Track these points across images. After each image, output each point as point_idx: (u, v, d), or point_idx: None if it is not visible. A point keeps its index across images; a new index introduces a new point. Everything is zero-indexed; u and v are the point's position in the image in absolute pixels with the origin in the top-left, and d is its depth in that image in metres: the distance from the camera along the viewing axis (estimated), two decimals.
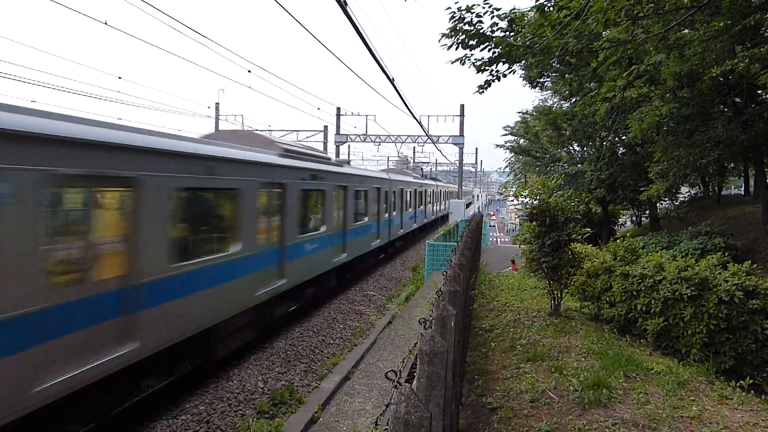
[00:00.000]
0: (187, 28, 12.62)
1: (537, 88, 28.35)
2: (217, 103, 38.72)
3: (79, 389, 5.64)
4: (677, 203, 26.14)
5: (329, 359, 10.50)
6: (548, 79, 25.25)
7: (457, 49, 10.27)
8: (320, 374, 9.75)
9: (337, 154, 38.39)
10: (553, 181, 10.90)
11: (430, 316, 2.98)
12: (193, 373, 9.02)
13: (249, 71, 21.19)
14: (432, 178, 45.90)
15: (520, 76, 25.05)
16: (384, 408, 1.71)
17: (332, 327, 12.87)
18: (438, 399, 2.19)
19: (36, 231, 5.13)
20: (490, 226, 55.17)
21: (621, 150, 24.20)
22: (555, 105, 28.61)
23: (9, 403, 4.84)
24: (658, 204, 25.61)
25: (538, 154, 27.95)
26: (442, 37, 10.40)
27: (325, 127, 41.23)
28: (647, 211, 27.36)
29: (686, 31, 12.01)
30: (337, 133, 39.93)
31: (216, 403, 8.20)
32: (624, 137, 22.17)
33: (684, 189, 26.90)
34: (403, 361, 2.48)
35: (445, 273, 4.29)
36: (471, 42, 10.00)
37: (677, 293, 8.68)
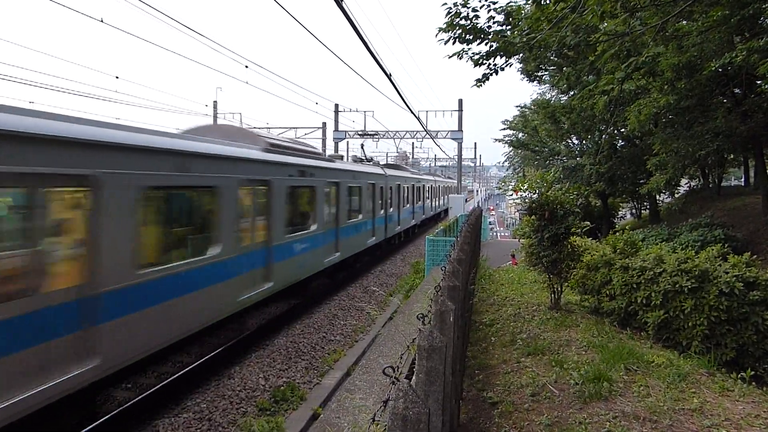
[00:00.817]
0: (183, 26, 12.56)
1: (535, 81, 28.31)
2: (215, 101, 38.66)
3: None
4: (677, 195, 26.13)
5: (330, 356, 10.50)
6: (546, 73, 25.19)
7: (454, 43, 10.24)
8: (321, 371, 9.75)
9: (336, 150, 38.36)
10: (551, 175, 10.88)
11: (429, 311, 2.97)
12: (195, 372, 9.02)
13: (246, 67, 21.12)
14: (390, 165, 28.93)
15: (518, 70, 25.01)
16: (382, 404, 1.70)
17: (333, 323, 12.87)
18: (437, 394, 2.18)
19: None
20: (490, 222, 54.30)
21: (620, 143, 24.17)
22: (553, 98, 28.56)
23: None
24: (658, 197, 25.59)
25: (536, 148, 27.91)
26: (439, 31, 10.36)
27: (324, 123, 41.25)
28: (647, 204, 27.35)
29: (684, 22, 11.97)
30: (336, 129, 39.91)
31: (217, 400, 8.21)
32: (623, 130, 22.14)
33: (683, 181, 26.87)
34: (401, 357, 2.47)
35: (443, 268, 4.28)
36: (468, 37, 9.97)
37: (677, 285, 8.68)
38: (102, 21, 14.08)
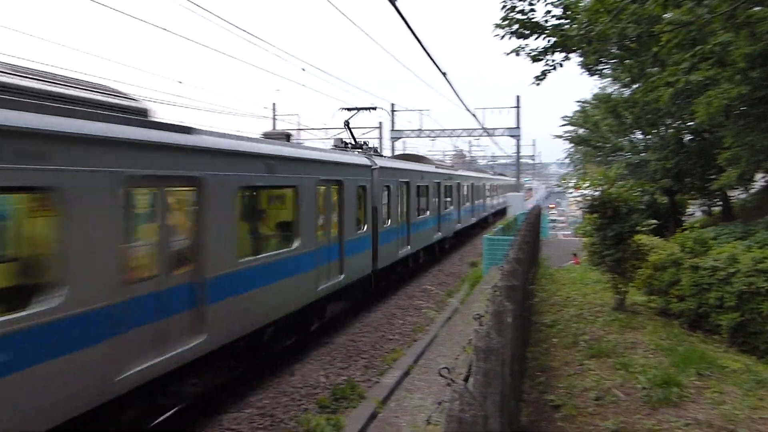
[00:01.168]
0: (243, 31, 12.93)
1: (595, 75, 27.44)
2: (274, 103, 39.65)
3: None
4: (752, 191, 24.71)
5: (389, 354, 10.54)
6: (607, 66, 24.37)
7: (510, 39, 10.09)
8: (380, 369, 9.79)
9: (392, 150, 38.49)
10: (614, 172, 10.58)
11: (486, 312, 2.94)
12: (257, 369, 9.27)
13: (303, 69, 21.57)
14: (403, 156, 22.71)
15: (578, 64, 24.34)
16: (437, 405, 1.70)
17: (391, 322, 12.92)
18: (495, 396, 2.16)
19: None
20: (558, 219, 52.21)
21: (688, 137, 23.11)
22: (615, 92, 27.60)
23: None
24: (730, 192, 24.28)
25: (598, 144, 27.06)
26: (495, 27, 10.23)
27: (380, 123, 41.52)
28: (719, 200, 26.01)
29: (757, 8, 11.31)
30: (392, 129, 40.09)
31: (279, 397, 8.40)
32: (690, 123, 21.15)
33: (759, 176, 25.36)
34: (457, 358, 2.46)
35: (502, 268, 4.22)
36: (525, 32, 9.80)
37: (754, 286, 8.22)
38: (165, 30, 14.70)
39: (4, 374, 4.53)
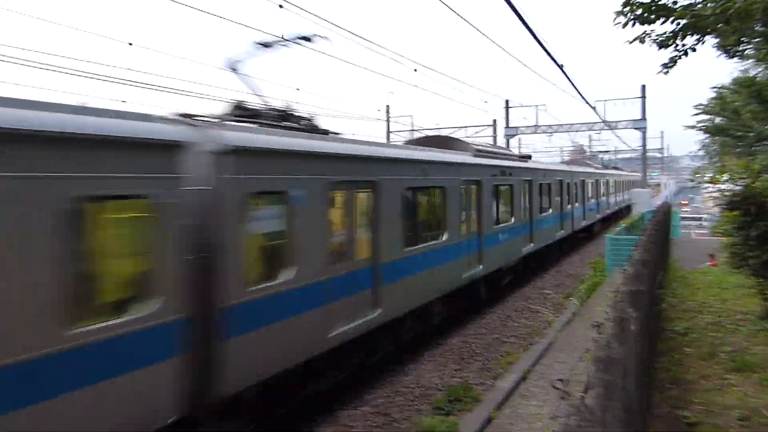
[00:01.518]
0: (358, 36, 13.23)
1: (735, 57, 24.92)
2: (388, 106, 40.29)
3: None
4: None
5: (504, 358, 10.27)
6: (749, 47, 22.03)
7: (633, 26, 9.40)
8: (495, 373, 9.57)
9: (507, 147, 37.59)
10: (758, 163, 9.56)
11: (607, 318, 2.74)
12: (372, 368, 9.43)
13: (415, 70, 21.59)
14: (437, 139, 14.74)
15: (713, 47, 22.24)
16: (552, 419, 1.58)
17: (506, 325, 12.61)
18: (616, 410, 1.99)
19: None
20: (698, 218, 47.90)
21: None
22: (759, 74, 24.89)
23: None
24: None
25: (739, 133, 24.60)
26: (616, 15, 9.58)
27: (494, 120, 40.74)
28: None
29: None
30: (507, 126, 39.22)
31: (393, 396, 8.48)
32: None
33: None
34: (572, 369, 2.30)
35: (624, 271, 3.93)
36: (649, 16, 9.08)
37: None
38: (282, 38, 15.39)
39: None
